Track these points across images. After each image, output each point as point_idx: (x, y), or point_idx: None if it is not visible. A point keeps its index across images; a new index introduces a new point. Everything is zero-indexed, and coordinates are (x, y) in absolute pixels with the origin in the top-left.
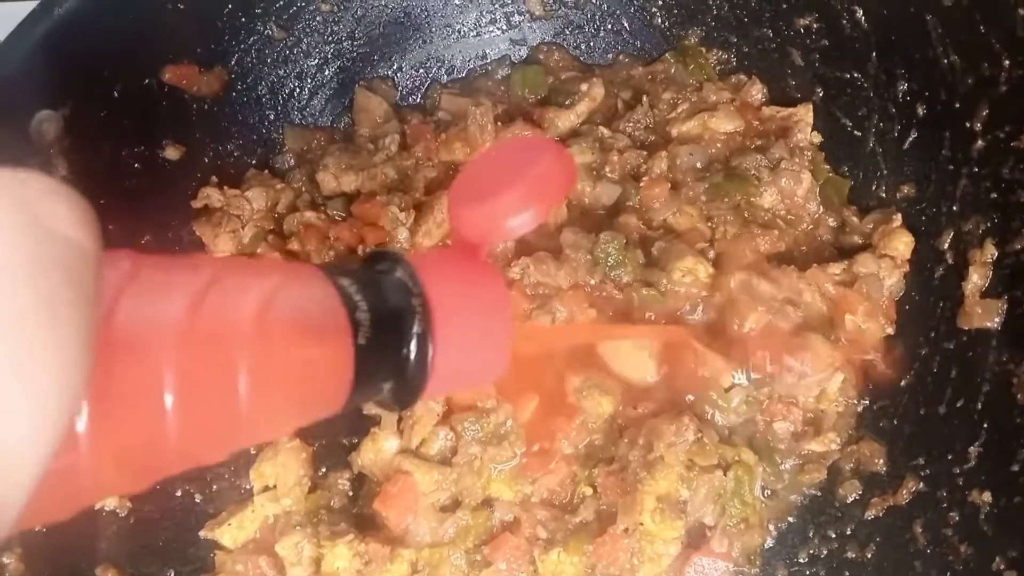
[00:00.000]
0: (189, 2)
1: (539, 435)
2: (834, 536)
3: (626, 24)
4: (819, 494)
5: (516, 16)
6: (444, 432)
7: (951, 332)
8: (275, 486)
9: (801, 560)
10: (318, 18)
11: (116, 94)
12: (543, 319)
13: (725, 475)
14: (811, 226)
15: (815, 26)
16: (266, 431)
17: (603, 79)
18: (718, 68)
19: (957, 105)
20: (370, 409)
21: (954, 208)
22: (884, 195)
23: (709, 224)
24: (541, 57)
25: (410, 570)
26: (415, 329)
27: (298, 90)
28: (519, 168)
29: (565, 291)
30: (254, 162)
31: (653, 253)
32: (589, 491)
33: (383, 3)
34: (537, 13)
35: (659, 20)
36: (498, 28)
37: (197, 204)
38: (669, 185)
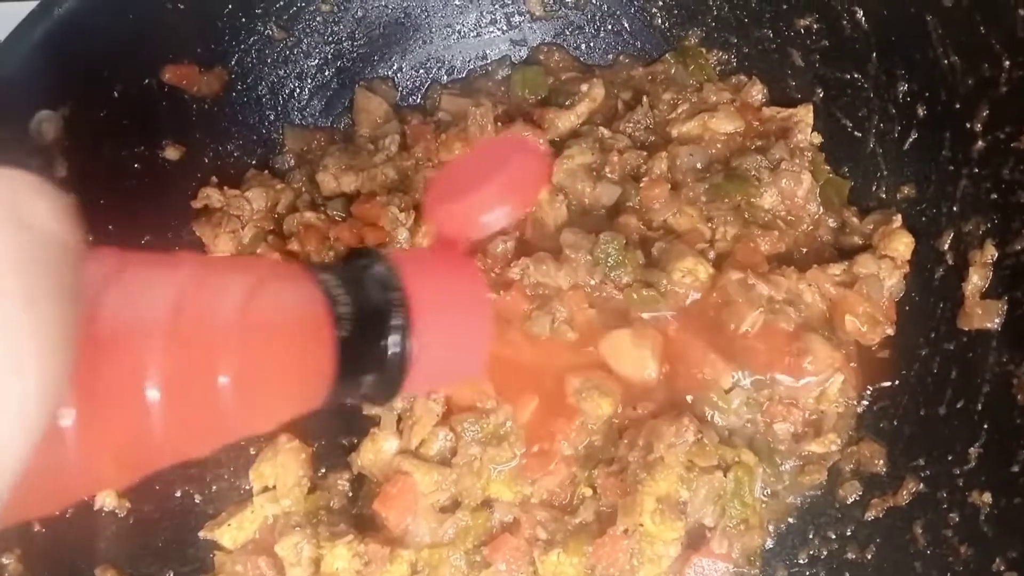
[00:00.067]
0: (189, 2)
1: (539, 436)
2: (834, 537)
3: (626, 25)
4: (819, 495)
5: (516, 17)
6: (444, 433)
7: (951, 333)
8: (275, 487)
9: (801, 561)
10: (318, 18)
11: (116, 94)
12: (543, 319)
13: (725, 476)
14: (811, 227)
15: (815, 27)
16: (251, 424)
17: (603, 80)
18: (718, 69)
19: (957, 106)
20: (370, 410)
21: (954, 209)
22: (884, 196)
23: (709, 225)
24: (541, 57)
25: (410, 571)
26: (395, 322)
27: (298, 90)
28: (493, 166)
29: (565, 291)
30: (254, 162)
31: (653, 254)
32: (589, 492)
33: (383, 3)
34: (537, 14)
35: (659, 21)
36: (498, 29)
37: (197, 204)
38: (669, 186)
